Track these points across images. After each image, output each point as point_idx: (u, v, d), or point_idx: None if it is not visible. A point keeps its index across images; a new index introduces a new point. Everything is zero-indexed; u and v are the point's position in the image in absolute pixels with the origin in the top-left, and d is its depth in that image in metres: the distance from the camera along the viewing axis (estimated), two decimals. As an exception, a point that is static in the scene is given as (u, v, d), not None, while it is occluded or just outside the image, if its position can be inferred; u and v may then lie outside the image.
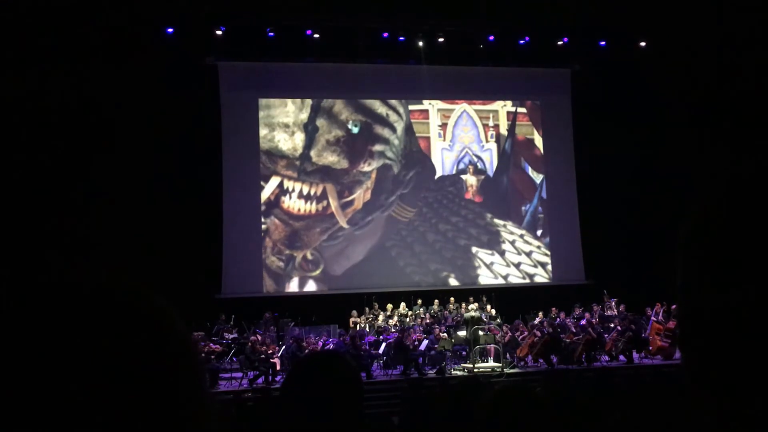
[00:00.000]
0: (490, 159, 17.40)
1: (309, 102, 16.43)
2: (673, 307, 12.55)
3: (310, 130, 16.32)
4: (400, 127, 16.85)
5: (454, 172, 17.11)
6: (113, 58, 13.63)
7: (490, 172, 17.33)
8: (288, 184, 16.14)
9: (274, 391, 10.72)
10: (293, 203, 16.10)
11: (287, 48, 15.79)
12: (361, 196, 16.38)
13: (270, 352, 12.04)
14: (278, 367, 11.95)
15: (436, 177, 16.97)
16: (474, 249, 16.74)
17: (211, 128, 15.62)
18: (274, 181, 16.14)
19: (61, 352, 0.51)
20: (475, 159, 17.26)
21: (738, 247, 0.57)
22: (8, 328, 0.52)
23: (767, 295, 0.55)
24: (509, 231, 17.01)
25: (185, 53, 14.98)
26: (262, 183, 16.07)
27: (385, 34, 16.22)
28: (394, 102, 16.89)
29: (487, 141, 17.41)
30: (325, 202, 16.23)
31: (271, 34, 15.64)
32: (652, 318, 13.52)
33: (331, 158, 16.34)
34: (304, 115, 16.41)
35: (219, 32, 15.31)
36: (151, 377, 0.53)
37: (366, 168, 16.47)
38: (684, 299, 0.62)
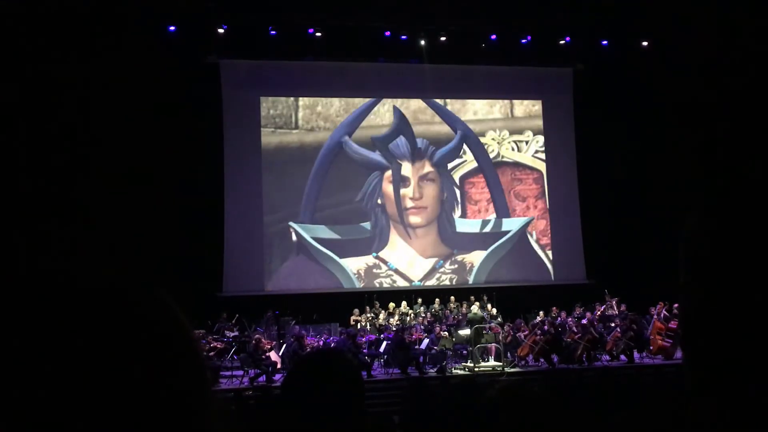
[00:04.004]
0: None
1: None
2: (675, 306, 12.54)
3: None
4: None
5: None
6: (115, 56, 13.64)
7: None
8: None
9: (274, 390, 10.72)
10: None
11: (289, 46, 15.78)
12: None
13: (268, 347, 12.05)
14: (279, 366, 11.96)
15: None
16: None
17: (213, 126, 15.63)
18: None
19: (63, 351, 0.51)
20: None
21: (740, 246, 0.57)
22: (8, 327, 0.52)
23: (769, 295, 0.55)
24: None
25: (187, 51, 14.99)
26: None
27: (387, 33, 16.21)
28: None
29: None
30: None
31: (273, 32, 15.64)
32: (654, 318, 13.51)
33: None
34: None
35: (221, 30, 15.31)
36: (154, 375, 0.53)
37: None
38: (686, 299, 0.62)
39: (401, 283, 16.39)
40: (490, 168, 17.34)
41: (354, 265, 16.39)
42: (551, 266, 17.21)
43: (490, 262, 16.97)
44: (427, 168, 17.05)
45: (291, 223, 16.23)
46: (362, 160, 16.73)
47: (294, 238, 16.24)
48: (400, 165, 16.86)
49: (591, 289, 15.59)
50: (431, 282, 16.56)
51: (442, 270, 16.75)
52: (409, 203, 16.80)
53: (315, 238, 16.27)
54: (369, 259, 16.47)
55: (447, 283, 16.60)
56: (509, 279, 16.67)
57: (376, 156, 16.78)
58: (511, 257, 17.08)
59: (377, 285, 16.18)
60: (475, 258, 16.94)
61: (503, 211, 17.29)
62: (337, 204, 16.49)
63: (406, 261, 16.64)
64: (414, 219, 16.79)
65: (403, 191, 16.84)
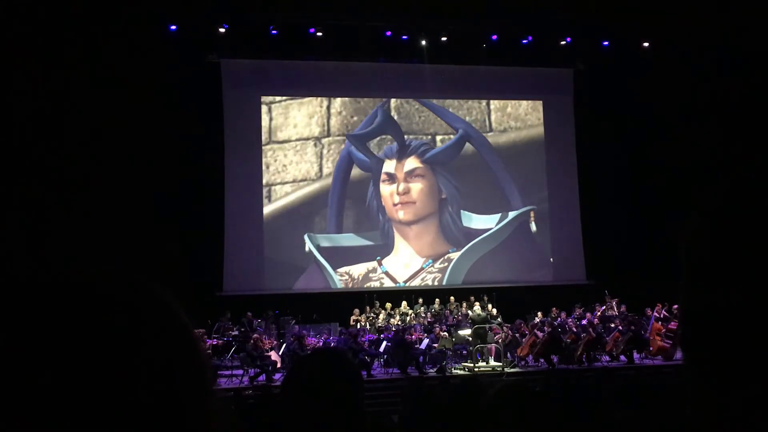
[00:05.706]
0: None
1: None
2: (675, 307, 12.54)
3: None
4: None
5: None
6: (116, 55, 13.64)
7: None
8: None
9: (274, 389, 10.72)
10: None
11: (290, 46, 15.79)
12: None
13: (268, 346, 12.05)
14: (279, 365, 11.96)
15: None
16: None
17: (213, 125, 15.63)
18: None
19: (62, 350, 0.51)
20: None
21: (741, 247, 0.57)
22: (7, 327, 0.52)
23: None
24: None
25: (188, 50, 15.00)
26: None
27: (388, 33, 16.22)
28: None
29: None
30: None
31: (274, 32, 15.64)
32: (653, 318, 13.51)
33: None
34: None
35: (222, 30, 15.32)
36: (154, 373, 0.53)
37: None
38: (687, 299, 0.62)
39: (388, 284, 16.37)
40: (497, 164, 17.25)
41: (357, 270, 16.34)
42: (552, 262, 17.19)
43: (467, 260, 16.81)
44: (415, 164, 16.90)
45: (305, 236, 16.21)
46: (362, 166, 16.73)
47: (306, 248, 16.23)
48: (383, 162, 16.81)
49: (591, 290, 15.58)
50: (415, 282, 16.51)
51: (429, 269, 16.70)
52: (396, 198, 16.74)
53: (322, 247, 16.23)
54: (371, 264, 16.44)
55: (429, 282, 16.55)
56: (509, 278, 16.64)
57: (370, 159, 16.76)
58: (511, 254, 17.00)
59: (365, 288, 16.14)
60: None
61: (517, 205, 17.29)
62: (358, 212, 16.60)
63: (402, 262, 16.59)
64: (402, 214, 16.69)
65: (390, 188, 16.77)
